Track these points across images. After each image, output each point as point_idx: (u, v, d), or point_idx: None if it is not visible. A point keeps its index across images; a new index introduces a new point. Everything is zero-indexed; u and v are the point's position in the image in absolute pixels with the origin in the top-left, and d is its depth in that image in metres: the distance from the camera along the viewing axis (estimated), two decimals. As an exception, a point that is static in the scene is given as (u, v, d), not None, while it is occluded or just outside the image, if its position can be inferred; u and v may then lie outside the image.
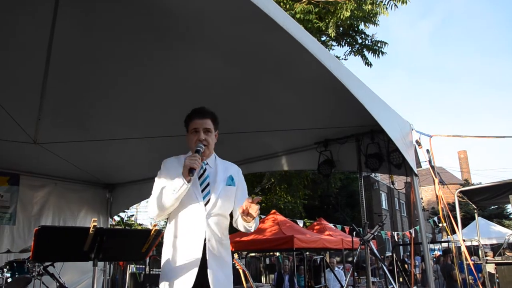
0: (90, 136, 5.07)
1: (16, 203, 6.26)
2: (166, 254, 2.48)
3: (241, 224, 2.55)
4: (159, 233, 2.97)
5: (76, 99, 4.28)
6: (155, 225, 2.77)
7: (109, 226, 7.68)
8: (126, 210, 19.01)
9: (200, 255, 2.37)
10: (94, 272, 3.00)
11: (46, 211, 6.67)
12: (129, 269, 12.21)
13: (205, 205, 2.46)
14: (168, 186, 2.33)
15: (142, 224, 27.67)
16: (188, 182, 2.31)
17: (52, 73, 3.53)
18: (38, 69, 3.47)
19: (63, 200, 6.90)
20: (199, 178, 2.53)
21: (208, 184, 2.53)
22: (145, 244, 3.00)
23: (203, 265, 2.36)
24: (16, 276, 4.76)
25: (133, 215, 25.53)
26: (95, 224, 2.62)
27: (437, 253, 13.65)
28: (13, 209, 6.22)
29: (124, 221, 20.06)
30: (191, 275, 2.33)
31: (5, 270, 4.73)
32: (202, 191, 2.50)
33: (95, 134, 5.06)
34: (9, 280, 4.70)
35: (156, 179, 2.52)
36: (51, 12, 2.85)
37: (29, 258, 4.91)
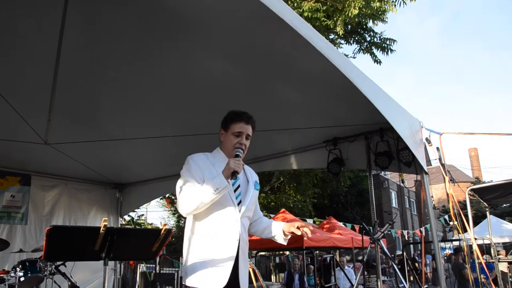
0: (100, 136, 5.10)
1: (28, 203, 6.33)
2: (195, 252, 2.45)
3: (268, 232, 2.74)
4: (169, 233, 2.99)
5: (85, 100, 4.31)
6: (165, 224, 2.79)
7: (119, 226, 7.72)
8: (136, 210, 19.11)
9: (235, 254, 2.43)
10: (105, 271, 3.02)
11: (57, 211, 6.74)
12: (139, 268, 12.28)
13: (238, 205, 2.51)
14: (208, 185, 2.31)
15: (152, 224, 27.81)
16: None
17: (62, 74, 3.56)
18: (48, 70, 3.50)
19: (74, 200, 6.97)
20: None
21: (238, 187, 2.58)
22: (155, 243, 3.02)
23: (235, 264, 2.42)
24: (29, 275, 4.82)
25: (143, 215, 25.63)
26: (106, 223, 2.64)
27: (448, 251, 13.55)
28: (25, 209, 6.29)
29: (134, 220, 20.16)
30: (226, 273, 2.37)
31: (18, 269, 4.79)
32: (234, 191, 2.54)
33: (104, 134, 5.09)
34: (22, 279, 4.75)
35: (185, 174, 2.48)
36: (60, 13, 2.87)
37: (41, 258, 4.96)
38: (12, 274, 4.74)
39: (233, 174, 2.32)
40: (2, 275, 4.75)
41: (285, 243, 2.72)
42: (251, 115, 2.64)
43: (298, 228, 2.53)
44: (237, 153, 2.46)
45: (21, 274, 4.78)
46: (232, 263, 2.40)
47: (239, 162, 2.36)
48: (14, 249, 5.55)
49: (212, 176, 2.36)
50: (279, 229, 2.68)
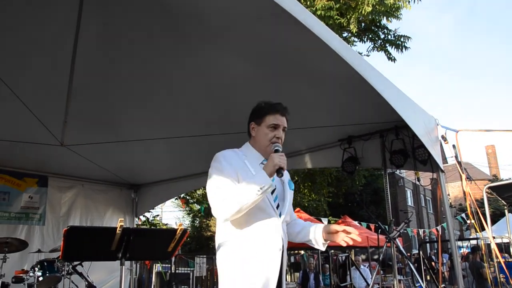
0: (115, 137, 5.15)
1: (45, 204, 6.42)
2: (235, 266, 2.14)
3: (303, 236, 2.43)
4: (185, 233, 3.00)
5: (101, 102, 4.35)
6: (180, 225, 2.79)
7: (135, 226, 7.78)
8: (151, 210, 19.26)
9: (279, 266, 2.16)
10: (121, 271, 3.04)
11: (74, 212, 6.82)
12: (155, 268, 12.35)
13: (277, 209, 2.24)
14: (250, 184, 2.01)
15: (167, 224, 28.00)
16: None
17: (77, 76, 3.60)
18: (64, 73, 3.55)
19: (90, 200, 7.05)
20: None
21: (274, 188, 2.25)
22: (170, 243, 3.04)
23: (279, 276, 2.18)
24: (47, 275, 4.89)
25: (158, 215, 25.83)
26: (122, 224, 2.66)
27: (465, 250, 13.37)
28: (43, 210, 6.38)
29: (150, 221, 20.31)
30: (273, 281, 2.12)
31: (36, 269, 4.86)
32: (271, 193, 2.26)
33: (120, 135, 5.13)
34: (41, 279, 4.82)
35: (216, 174, 2.18)
36: (75, 17, 2.91)
37: (58, 258, 5.02)
38: (31, 274, 4.82)
39: (278, 172, 2.06)
40: (21, 275, 4.83)
41: (323, 249, 2.43)
42: (285, 105, 2.39)
43: (343, 232, 2.24)
44: (277, 147, 2.20)
45: (40, 274, 4.85)
46: (277, 276, 2.13)
47: (283, 158, 2.09)
48: (33, 249, 5.63)
49: (251, 175, 2.12)
50: (318, 233, 2.36)
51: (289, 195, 2.37)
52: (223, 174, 2.15)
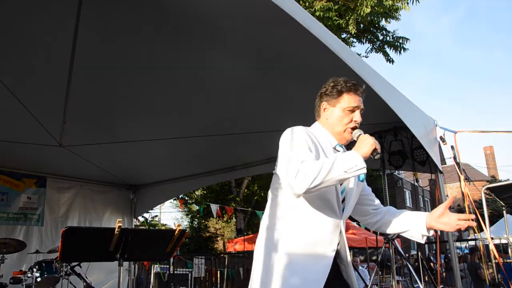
0: (113, 138, 5.14)
1: (44, 204, 6.41)
2: (278, 263, 1.86)
3: (402, 226, 2.10)
4: (183, 233, 3.00)
5: (99, 102, 4.35)
6: (179, 225, 2.79)
7: (133, 227, 7.78)
8: (149, 211, 19.26)
9: (328, 270, 1.87)
10: (119, 272, 3.04)
11: (73, 212, 6.82)
12: (153, 269, 12.33)
13: (342, 203, 1.98)
14: (338, 161, 1.72)
15: (165, 225, 27.98)
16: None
17: (76, 77, 3.60)
18: (62, 74, 3.54)
19: (89, 201, 7.04)
20: None
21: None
22: (169, 244, 3.04)
23: (329, 281, 1.85)
24: (45, 275, 4.87)
25: (156, 216, 25.85)
26: (120, 224, 2.66)
27: (459, 252, 13.37)
28: (41, 211, 6.37)
29: (148, 221, 20.31)
30: (318, 281, 1.83)
31: (34, 270, 4.85)
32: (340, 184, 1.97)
33: (118, 136, 5.13)
34: (39, 279, 4.81)
35: (298, 146, 1.86)
36: (74, 17, 2.91)
37: (57, 258, 5.01)
38: (29, 275, 4.80)
39: (373, 153, 1.82)
40: (19, 276, 4.82)
41: (422, 241, 2.09)
42: (363, 84, 2.09)
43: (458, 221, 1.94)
44: (360, 134, 1.94)
45: (38, 274, 4.84)
46: (323, 279, 1.83)
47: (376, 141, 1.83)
48: (31, 250, 5.63)
49: (320, 152, 1.88)
50: (421, 223, 2.02)
51: (357, 188, 2.08)
52: (300, 145, 1.86)
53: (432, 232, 2.04)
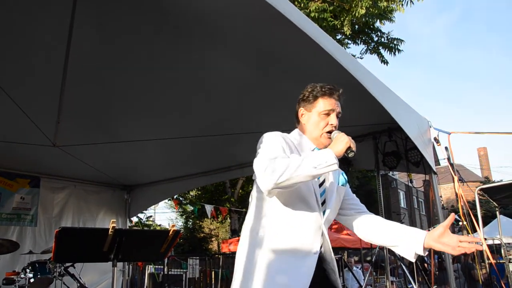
0: (108, 138, 5.13)
1: (37, 205, 6.37)
2: (259, 265, 1.83)
3: (392, 240, 2.02)
4: (177, 234, 3.00)
5: (94, 102, 4.33)
6: (173, 226, 2.79)
7: (127, 227, 7.76)
8: (144, 211, 19.20)
9: (312, 272, 1.84)
10: (113, 272, 3.03)
11: (66, 213, 6.78)
12: (147, 270, 12.32)
13: (322, 206, 1.96)
14: (308, 158, 1.73)
15: (160, 225, 27.91)
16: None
17: (70, 76, 3.58)
18: (57, 73, 3.52)
19: (83, 201, 7.01)
20: None
21: (324, 181, 2.02)
22: (163, 244, 3.03)
23: (313, 284, 1.83)
24: (38, 276, 4.85)
25: (151, 216, 25.76)
26: (114, 225, 2.65)
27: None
28: (35, 211, 6.33)
29: (142, 222, 20.26)
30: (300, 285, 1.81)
31: (27, 270, 4.82)
32: (319, 186, 1.99)
33: (113, 136, 5.11)
34: (32, 280, 4.79)
35: (270, 146, 1.87)
36: (69, 15, 2.89)
37: (50, 259, 4.99)
38: (22, 276, 4.77)
39: (348, 151, 1.82)
40: (12, 277, 4.78)
41: (413, 260, 1.98)
42: (340, 89, 2.09)
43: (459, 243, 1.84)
44: (337, 134, 1.94)
45: (31, 275, 4.81)
46: (306, 283, 1.80)
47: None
48: (24, 251, 5.60)
49: (294, 153, 1.88)
50: (419, 241, 1.92)
51: (338, 191, 2.06)
52: (277, 146, 1.87)
53: (426, 253, 1.95)
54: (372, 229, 2.09)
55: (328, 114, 2.01)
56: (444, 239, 1.87)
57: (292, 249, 1.85)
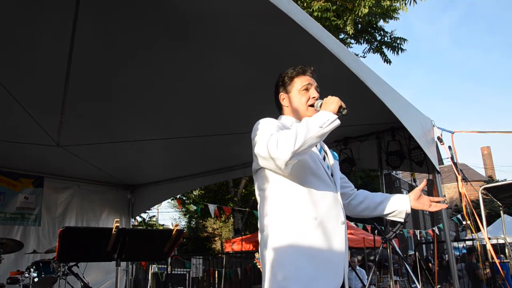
0: (111, 138, 5.14)
1: (41, 204, 6.40)
2: (292, 245, 1.80)
3: (384, 208, 2.21)
4: (181, 233, 3.00)
5: (97, 102, 4.34)
6: (176, 225, 2.79)
7: (131, 227, 7.77)
8: (147, 211, 19.22)
9: (344, 242, 1.90)
10: (117, 272, 3.04)
11: (70, 213, 6.80)
12: (151, 269, 12.33)
13: (332, 177, 2.03)
14: (310, 121, 1.77)
15: (163, 225, 27.93)
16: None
17: (73, 77, 3.59)
18: (60, 73, 3.53)
19: (86, 201, 7.03)
20: None
21: (324, 157, 2.11)
22: (166, 244, 3.04)
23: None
24: (43, 276, 4.87)
25: (154, 216, 25.78)
26: (118, 224, 2.66)
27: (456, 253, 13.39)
28: (38, 211, 6.36)
29: (146, 221, 20.28)
30: (340, 258, 1.86)
31: (32, 270, 4.84)
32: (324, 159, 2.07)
33: (116, 136, 5.12)
34: (36, 279, 4.80)
35: (268, 127, 1.89)
36: (72, 16, 2.90)
37: (54, 258, 5.01)
38: (26, 275, 4.80)
39: (341, 110, 1.86)
40: (16, 276, 4.81)
41: (403, 220, 2.27)
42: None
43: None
44: (321, 102, 1.96)
45: (35, 275, 4.83)
46: (343, 252, 1.87)
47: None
48: (28, 250, 5.61)
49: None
50: (405, 203, 2.19)
51: (337, 166, 2.16)
52: (272, 125, 1.90)
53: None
54: (369, 205, 2.24)
55: (307, 90, 2.09)
56: (421, 200, 2.19)
57: (321, 222, 1.84)
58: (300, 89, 2.09)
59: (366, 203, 2.24)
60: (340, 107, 1.86)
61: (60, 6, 2.84)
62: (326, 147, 2.20)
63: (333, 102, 1.87)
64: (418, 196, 2.20)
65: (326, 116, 1.78)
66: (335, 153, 2.23)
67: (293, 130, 1.73)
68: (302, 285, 1.73)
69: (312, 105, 2.04)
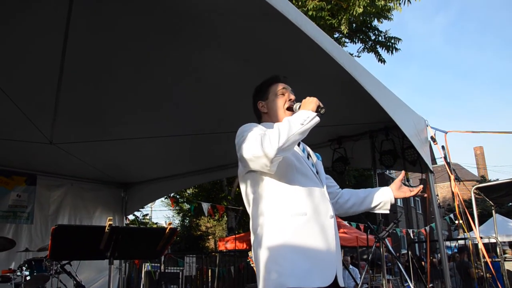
0: (105, 136, 5.12)
1: (34, 202, 6.35)
2: (284, 240, 1.86)
3: (370, 202, 2.33)
4: (174, 232, 3.00)
5: (90, 99, 4.32)
6: (170, 224, 2.78)
7: (124, 225, 7.75)
8: (140, 209, 19.17)
9: (334, 229, 1.98)
10: (110, 270, 3.03)
11: (63, 211, 6.75)
12: (144, 267, 12.31)
13: (318, 175, 2.12)
14: (291, 119, 1.87)
15: (157, 223, 27.89)
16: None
17: (67, 73, 3.57)
18: (53, 70, 3.52)
19: (79, 199, 6.98)
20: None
21: (308, 156, 2.21)
22: (160, 242, 3.03)
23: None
24: (35, 274, 4.84)
25: (147, 214, 25.74)
26: (111, 223, 2.65)
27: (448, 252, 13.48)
28: (31, 209, 6.31)
29: (139, 220, 20.22)
30: (330, 265, 1.91)
31: (24, 268, 4.81)
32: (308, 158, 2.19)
33: (110, 134, 5.10)
34: (28, 278, 4.77)
35: (251, 131, 1.94)
36: (65, 12, 2.88)
37: (46, 257, 4.98)
38: (18, 273, 4.76)
39: (319, 109, 1.93)
40: (8, 274, 4.77)
41: (388, 211, 2.38)
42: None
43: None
44: (299, 104, 2.05)
45: (27, 273, 4.80)
46: (334, 246, 1.95)
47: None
48: (20, 248, 5.57)
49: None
50: (388, 194, 2.34)
51: (320, 164, 2.25)
52: (256, 129, 1.95)
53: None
54: (353, 201, 2.34)
55: (283, 94, 2.19)
56: (401, 189, 2.34)
57: (311, 217, 1.92)
58: (277, 93, 2.19)
59: (352, 200, 2.34)
60: (318, 106, 1.94)
61: (54, 1, 2.82)
62: (308, 148, 2.31)
63: (311, 102, 1.95)
64: (399, 187, 2.35)
65: (306, 114, 1.87)
66: (317, 154, 2.35)
67: (276, 129, 1.82)
68: (298, 279, 1.79)
69: (290, 108, 2.14)
